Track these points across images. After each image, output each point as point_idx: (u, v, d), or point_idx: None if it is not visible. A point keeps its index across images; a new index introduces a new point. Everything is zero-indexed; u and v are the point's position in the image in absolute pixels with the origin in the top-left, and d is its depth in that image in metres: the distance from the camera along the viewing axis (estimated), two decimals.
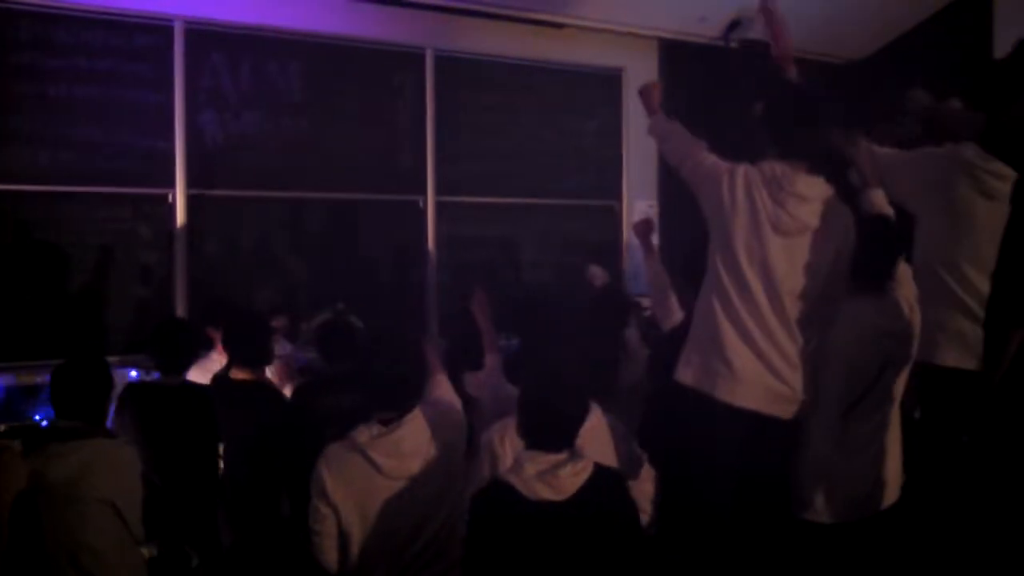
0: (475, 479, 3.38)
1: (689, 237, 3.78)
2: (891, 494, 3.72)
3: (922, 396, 3.84)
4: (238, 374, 4.23)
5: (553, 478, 2.76)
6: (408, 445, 3.05)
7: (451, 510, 3.15)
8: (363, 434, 3.04)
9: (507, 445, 3.42)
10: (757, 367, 3.38)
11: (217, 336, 4.95)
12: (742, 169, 3.45)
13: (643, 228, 4.79)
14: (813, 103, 3.53)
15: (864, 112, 4.04)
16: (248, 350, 4.26)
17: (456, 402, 3.51)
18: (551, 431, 2.86)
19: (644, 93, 4.03)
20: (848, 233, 3.46)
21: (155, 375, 4.42)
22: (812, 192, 3.37)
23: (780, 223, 3.35)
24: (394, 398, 3.11)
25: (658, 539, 3.74)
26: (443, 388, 3.54)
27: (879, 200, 3.81)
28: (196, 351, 4.56)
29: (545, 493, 2.74)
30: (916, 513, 3.75)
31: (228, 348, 4.32)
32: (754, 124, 3.56)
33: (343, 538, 3.01)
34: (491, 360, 4.06)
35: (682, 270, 4.19)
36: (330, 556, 3.03)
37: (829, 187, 3.43)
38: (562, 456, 2.82)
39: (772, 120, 3.52)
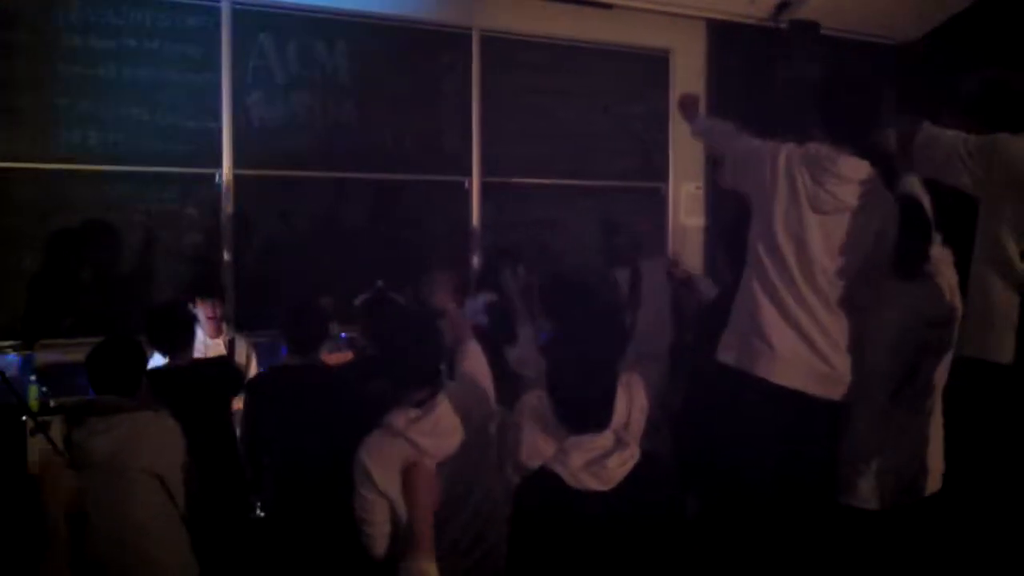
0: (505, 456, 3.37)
1: (731, 218, 3.74)
2: (934, 482, 3.67)
3: (968, 388, 3.74)
4: (291, 360, 4.22)
5: (600, 468, 2.70)
6: (446, 424, 3.02)
7: (485, 490, 3.13)
8: (400, 419, 2.99)
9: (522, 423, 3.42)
10: (798, 345, 3.36)
11: (202, 310, 5.13)
12: (784, 149, 3.44)
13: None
14: (871, 91, 3.49)
15: (916, 94, 3.94)
16: (299, 335, 4.25)
17: (482, 375, 3.39)
18: (583, 411, 2.81)
19: (683, 104, 4.08)
20: (891, 216, 3.43)
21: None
22: (853, 173, 3.35)
23: (818, 202, 3.34)
24: (419, 377, 3.07)
25: (699, 522, 3.72)
26: (471, 359, 3.43)
27: (914, 184, 3.75)
28: (193, 331, 4.54)
29: (591, 483, 2.69)
30: (960, 502, 3.69)
31: (282, 334, 4.33)
32: (804, 107, 3.53)
33: (395, 525, 2.96)
34: (524, 332, 4.03)
35: (724, 247, 4.16)
36: (381, 544, 2.98)
37: (872, 170, 3.39)
38: (608, 442, 2.77)
39: (826, 107, 3.49)
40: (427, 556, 2.76)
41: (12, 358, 5.11)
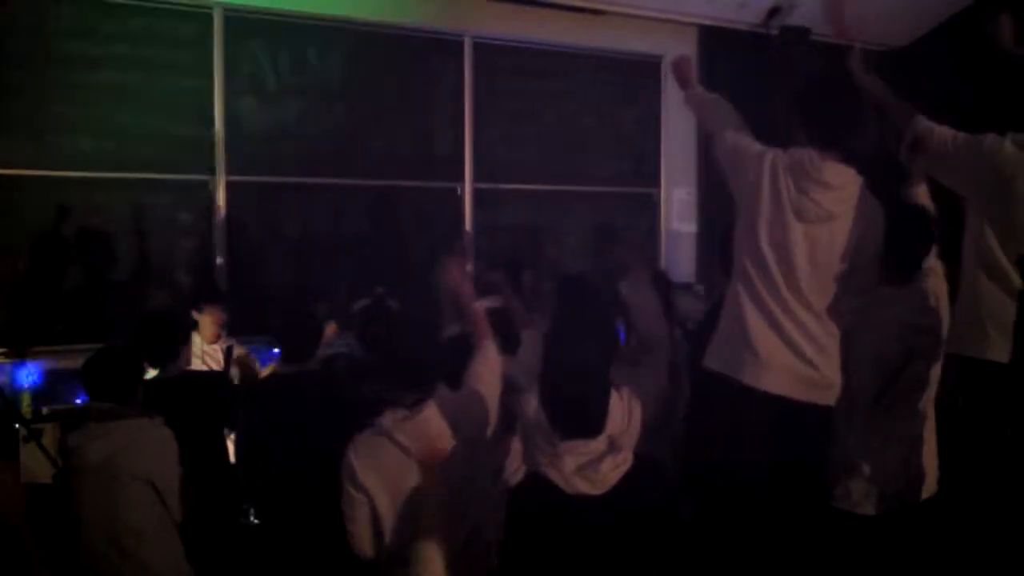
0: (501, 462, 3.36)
1: (726, 224, 3.73)
2: (929, 486, 3.67)
3: (967, 389, 3.75)
4: (285, 367, 4.22)
5: (593, 472, 2.72)
6: (434, 427, 3.01)
7: (475, 493, 3.12)
8: (388, 419, 3.00)
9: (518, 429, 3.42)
10: (783, 351, 3.34)
11: (201, 317, 5.11)
12: (771, 154, 3.39)
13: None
14: (850, 91, 3.48)
15: (907, 99, 3.94)
16: (293, 343, 4.24)
17: (488, 385, 3.31)
18: (576, 418, 2.81)
19: (677, 67, 3.89)
20: (875, 222, 3.38)
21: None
22: (838, 180, 3.30)
23: (803, 210, 3.29)
24: (413, 381, 3.07)
25: (693, 527, 3.72)
26: (483, 363, 3.35)
27: (922, 192, 3.74)
28: (182, 340, 4.50)
29: (584, 487, 2.71)
30: (957, 505, 3.70)
31: (276, 341, 4.32)
32: (789, 110, 3.51)
33: (376, 524, 2.97)
34: (529, 339, 4.02)
35: (721, 256, 4.15)
36: (364, 543, 3.00)
37: (858, 176, 3.36)
38: (601, 446, 2.78)
39: (805, 107, 3.46)
40: (432, 547, 2.76)
41: (4, 365, 5.09)
